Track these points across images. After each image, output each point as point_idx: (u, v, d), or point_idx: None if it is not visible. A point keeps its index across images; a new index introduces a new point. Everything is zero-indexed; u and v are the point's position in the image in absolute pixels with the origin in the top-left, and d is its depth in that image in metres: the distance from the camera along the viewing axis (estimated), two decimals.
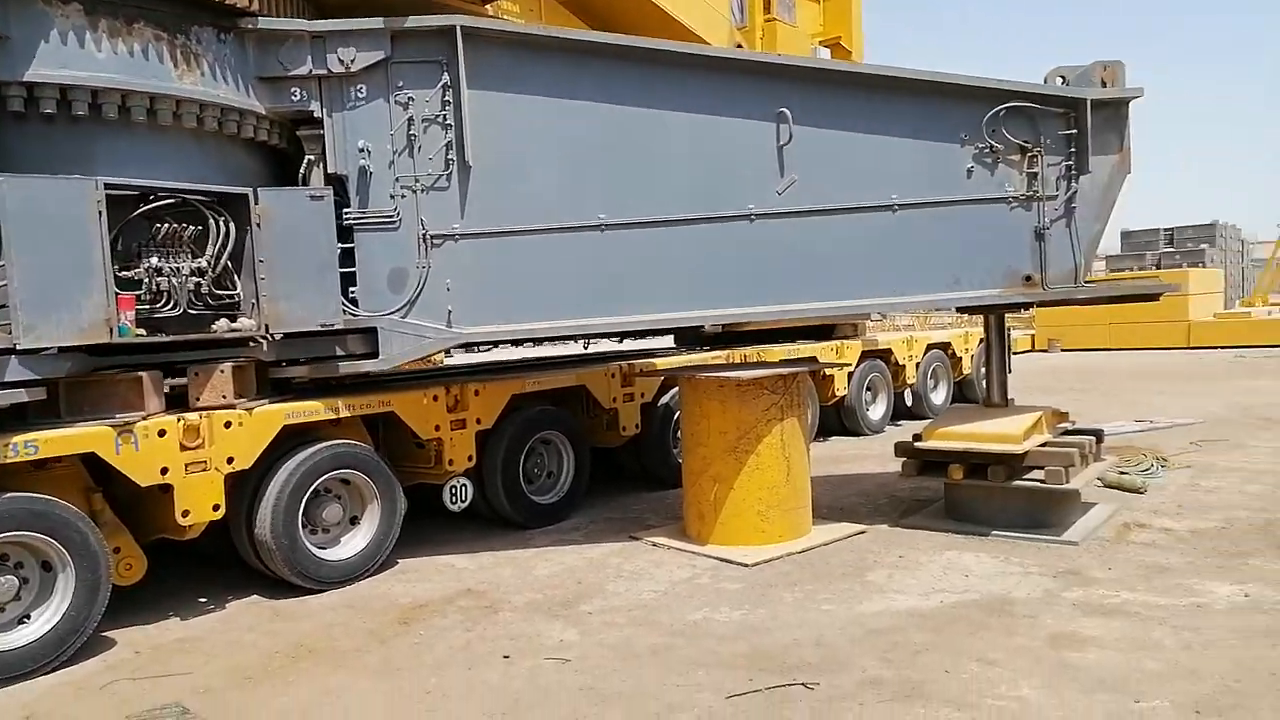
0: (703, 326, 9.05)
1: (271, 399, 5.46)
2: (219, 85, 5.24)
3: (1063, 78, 5.72)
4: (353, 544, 5.65)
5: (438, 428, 6.11)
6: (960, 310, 7.69)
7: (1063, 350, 21.83)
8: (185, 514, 4.87)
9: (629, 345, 10.88)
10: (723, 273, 5.78)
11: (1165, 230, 30.26)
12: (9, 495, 4.29)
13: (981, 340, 11.45)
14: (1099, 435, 6.45)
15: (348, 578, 5.53)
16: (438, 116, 5.57)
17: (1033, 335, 22.69)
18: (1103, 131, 5.65)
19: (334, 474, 5.53)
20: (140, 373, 4.86)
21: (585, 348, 9.87)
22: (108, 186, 4.58)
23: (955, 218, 5.76)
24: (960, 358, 12.08)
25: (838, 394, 9.89)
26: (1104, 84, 5.61)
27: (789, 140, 5.66)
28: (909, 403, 11.37)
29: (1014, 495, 5.93)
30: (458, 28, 5.41)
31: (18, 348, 4.34)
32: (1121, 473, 7.18)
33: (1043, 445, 5.91)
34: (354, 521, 5.72)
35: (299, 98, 5.49)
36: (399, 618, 4.90)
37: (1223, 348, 19.80)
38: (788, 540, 5.82)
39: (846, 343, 10.18)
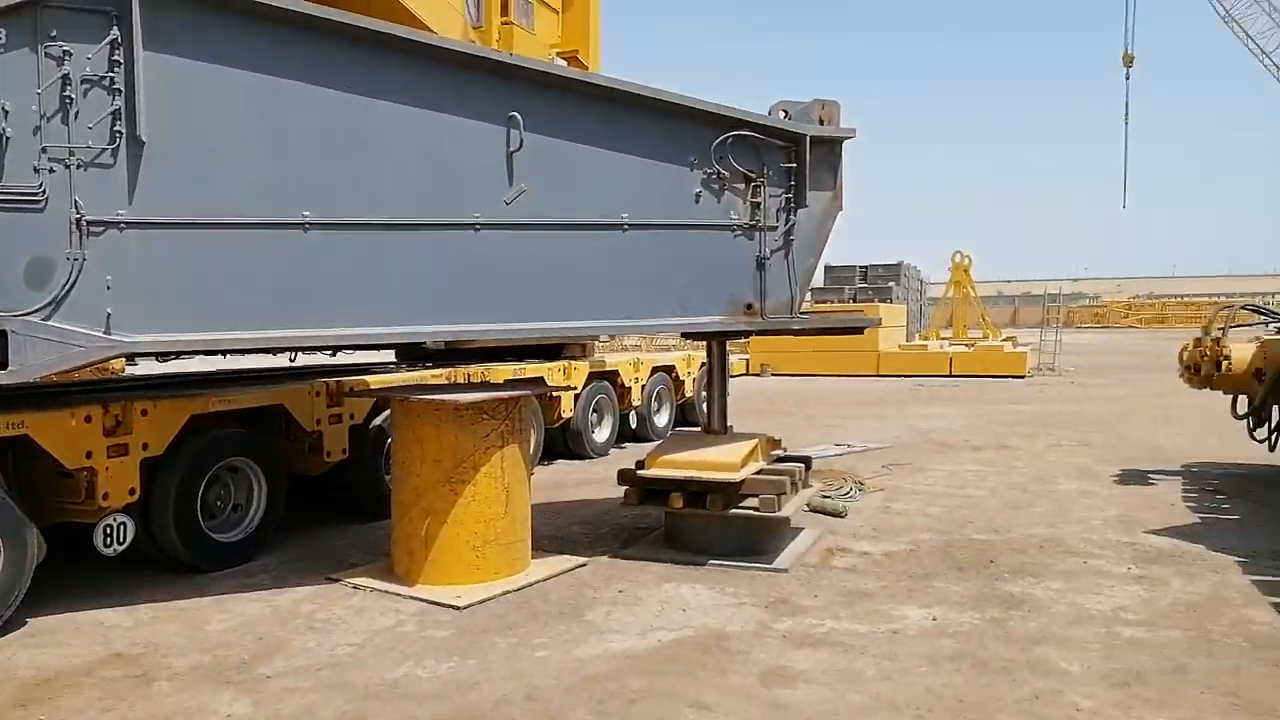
0: (424, 343, 8.47)
1: None
2: None
3: (785, 112, 5.87)
4: None
5: (90, 455, 5.09)
6: (685, 335, 7.76)
7: (773, 375, 23.41)
8: None
9: (343, 359, 10.01)
10: (444, 286, 5.31)
11: (860, 267, 33.57)
12: None
13: (703, 364, 11.85)
14: (808, 462, 6.71)
15: None
16: (103, 79, 4.62)
17: (747, 360, 24.14)
18: (819, 168, 5.84)
19: None
20: None
21: (292, 360, 8.91)
22: None
23: (684, 242, 5.71)
24: (683, 381, 12.37)
25: (564, 416, 9.69)
26: (822, 122, 5.83)
27: (519, 147, 5.32)
28: (634, 425, 11.44)
29: (730, 523, 5.97)
30: None
31: None
32: (825, 497, 7.56)
33: (758, 473, 6.02)
34: None
35: None
36: (16, 698, 3.92)
37: (905, 376, 22.16)
38: (505, 577, 5.44)
39: (575, 363, 10.03)
